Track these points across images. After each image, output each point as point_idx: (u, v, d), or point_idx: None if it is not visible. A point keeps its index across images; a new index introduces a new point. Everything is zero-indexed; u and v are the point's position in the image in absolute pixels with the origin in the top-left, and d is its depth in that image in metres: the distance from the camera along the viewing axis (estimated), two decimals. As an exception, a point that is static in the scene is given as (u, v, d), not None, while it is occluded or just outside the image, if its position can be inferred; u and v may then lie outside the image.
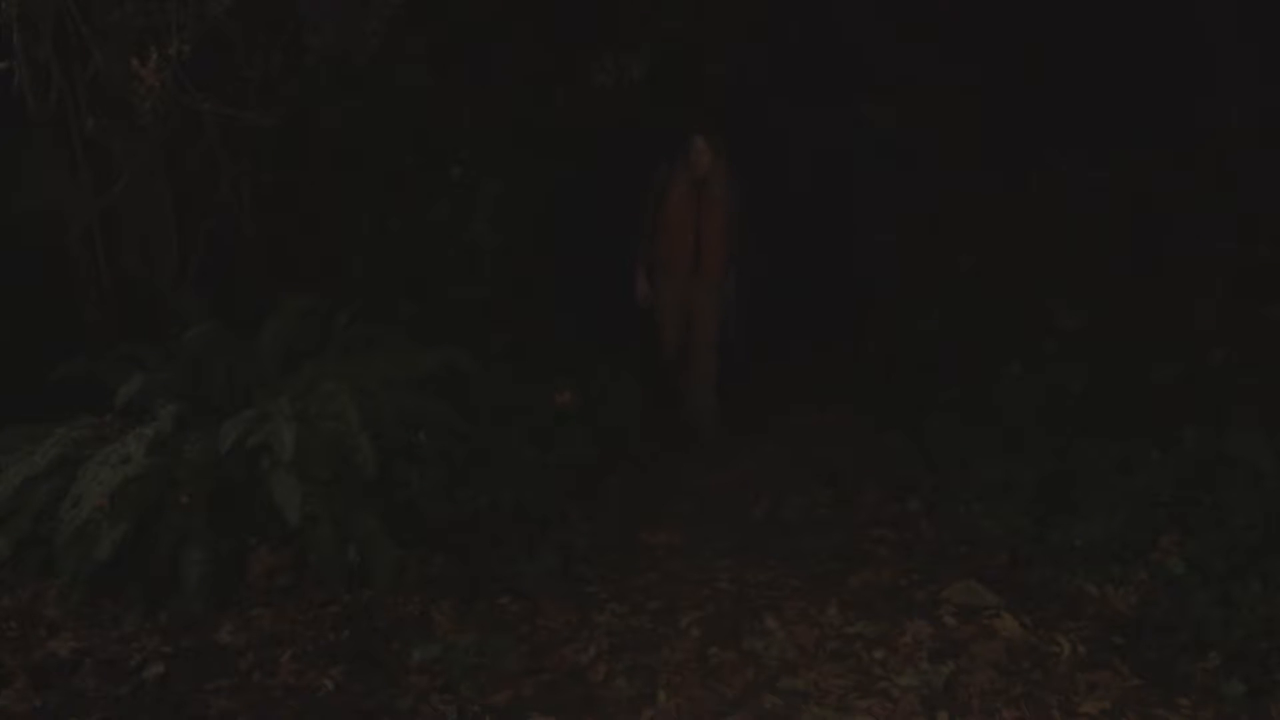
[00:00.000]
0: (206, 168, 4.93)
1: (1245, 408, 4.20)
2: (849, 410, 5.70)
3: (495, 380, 4.91)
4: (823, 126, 5.94)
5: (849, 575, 4.01)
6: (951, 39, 5.62)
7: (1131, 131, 5.15)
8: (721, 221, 5.54)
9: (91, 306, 4.94)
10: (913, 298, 5.68)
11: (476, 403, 4.76)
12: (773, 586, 3.99)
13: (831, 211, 6.29)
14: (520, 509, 4.43)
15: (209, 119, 4.37)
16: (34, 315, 5.00)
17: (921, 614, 3.69)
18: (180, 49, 3.83)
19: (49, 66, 4.07)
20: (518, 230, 5.70)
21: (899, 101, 5.81)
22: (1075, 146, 5.35)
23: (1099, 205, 5.21)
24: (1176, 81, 4.96)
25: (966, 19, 5.50)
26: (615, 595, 3.95)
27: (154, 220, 4.98)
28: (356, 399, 4.13)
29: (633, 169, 5.55)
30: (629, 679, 3.39)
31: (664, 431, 5.58)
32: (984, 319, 5.23)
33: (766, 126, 6.22)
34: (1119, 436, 4.34)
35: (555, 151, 5.77)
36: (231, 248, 5.28)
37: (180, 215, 4.95)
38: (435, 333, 4.80)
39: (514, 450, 4.83)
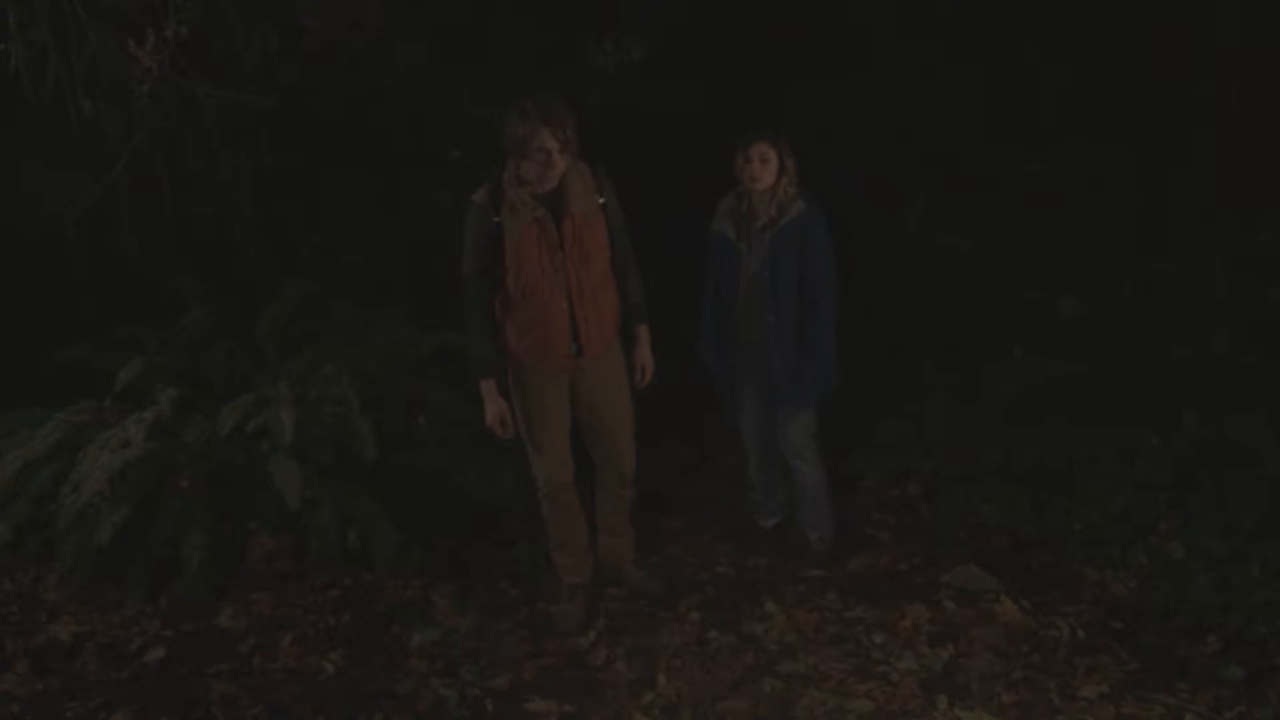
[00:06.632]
0: (204, 151, 4.91)
1: (1246, 392, 4.20)
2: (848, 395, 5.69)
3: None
4: (820, 107, 5.80)
5: (849, 559, 4.01)
6: (953, 22, 5.58)
7: (1132, 115, 5.13)
8: (606, 256, 3.47)
9: (90, 291, 4.93)
10: (913, 281, 5.66)
11: (476, 386, 4.75)
12: (772, 571, 3.99)
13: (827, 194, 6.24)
14: (520, 492, 4.42)
15: (207, 101, 4.34)
16: (32, 300, 5.00)
17: (921, 598, 3.70)
18: (178, 30, 3.80)
19: (46, 49, 4.05)
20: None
21: (899, 83, 5.78)
22: (1075, 130, 5.33)
23: (1100, 189, 5.19)
24: (1176, 63, 4.93)
25: (968, 2, 5.46)
26: (614, 579, 3.95)
27: (152, 204, 4.96)
28: (356, 383, 4.13)
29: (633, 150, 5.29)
30: (629, 663, 3.41)
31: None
32: (984, 304, 5.21)
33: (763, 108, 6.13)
34: (1119, 421, 4.33)
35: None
36: (230, 231, 5.26)
37: (178, 199, 4.93)
38: (435, 316, 4.79)
39: (515, 433, 4.83)
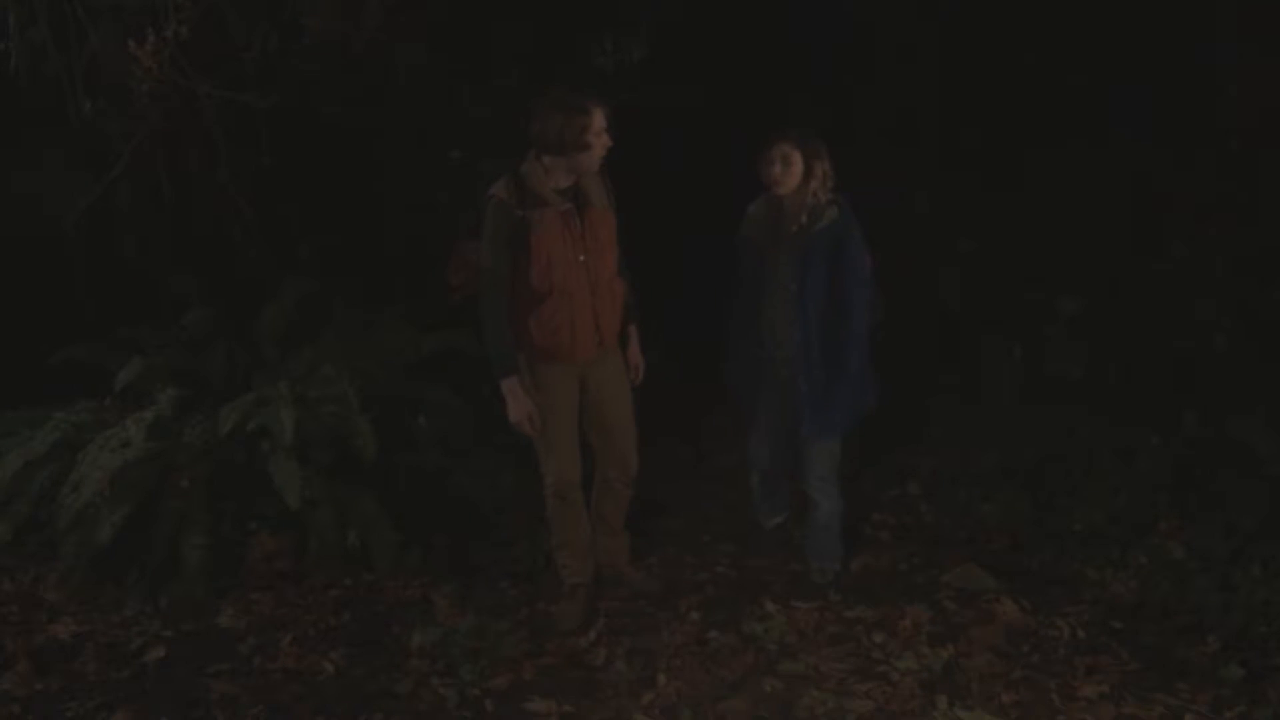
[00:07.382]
0: (204, 151, 4.91)
1: (1246, 392, 4.20)
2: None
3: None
4: (820, 107, 5.79)
5: (849, 559, 4.01)
6: (952, 20, 5.58)
7: (1131, 115, 5.13)
8: (616, 249, 3.50)
9: (90, 291, 4.93)
10: (913, 281, 5.65)
11: (476, 386, 4.76)
12: (772, 571, 3.99)
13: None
14: (520, 492, 4.43)
15: (207, 101, 4.34)
16: (32, 300, 5.00)
17: (921, 598, 3.70)
18: (178, 31, 3.81)
19: (46, 49, 4.05)
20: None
21: (899, 83, 5.77)
22: (1075, 130, 5.33)
23: (1099, 189, 5.19)
24: (1176, 63, 4.94)
25: (968, 3, 5.46)
26: (614, 579, 3.95)
27: (152, 204, 4.96)
28: (356, 382, 4.13)
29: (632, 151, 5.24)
30: (628, 663, 3.40)
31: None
32: (984, 303, 5.21)
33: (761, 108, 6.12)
34: (1119, 421, 4.34)
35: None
36: (230, 231, 5.26)
37: (178, 199, 4.93)
38: (435, 316, 4.79)
39: (514, 433, 4.83)
